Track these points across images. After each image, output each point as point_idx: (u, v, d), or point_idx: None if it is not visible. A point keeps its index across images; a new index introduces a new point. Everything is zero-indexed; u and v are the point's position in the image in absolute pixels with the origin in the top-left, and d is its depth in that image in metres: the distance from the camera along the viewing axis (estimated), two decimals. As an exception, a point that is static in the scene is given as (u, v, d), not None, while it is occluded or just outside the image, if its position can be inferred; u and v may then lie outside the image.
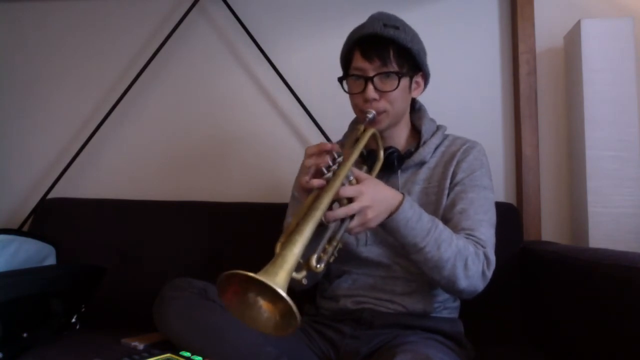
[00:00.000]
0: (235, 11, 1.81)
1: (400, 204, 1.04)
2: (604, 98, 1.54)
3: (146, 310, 1.16)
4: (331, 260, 0.97)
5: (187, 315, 1.09)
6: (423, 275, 1.11)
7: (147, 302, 1.18)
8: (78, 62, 1.95)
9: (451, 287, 1.10)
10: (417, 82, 1.24)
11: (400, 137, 1.28)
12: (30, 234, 1.51)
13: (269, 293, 0.78)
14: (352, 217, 0.99)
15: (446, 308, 1.23)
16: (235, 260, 1.33)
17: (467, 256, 1.08)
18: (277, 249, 0.90)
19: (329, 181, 0.98)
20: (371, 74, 1.16)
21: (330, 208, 0.96)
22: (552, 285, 1.32)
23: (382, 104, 1.17)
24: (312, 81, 1.81)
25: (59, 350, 1.22)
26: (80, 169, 1.89)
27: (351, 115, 1.30)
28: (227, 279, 0.78)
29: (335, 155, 1.02)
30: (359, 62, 1.17)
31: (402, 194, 1.06)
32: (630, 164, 1.52)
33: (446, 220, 1.16)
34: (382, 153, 1.21)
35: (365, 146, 1.20)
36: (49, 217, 1.70)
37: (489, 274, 1.12)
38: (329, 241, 0.96)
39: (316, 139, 1.79)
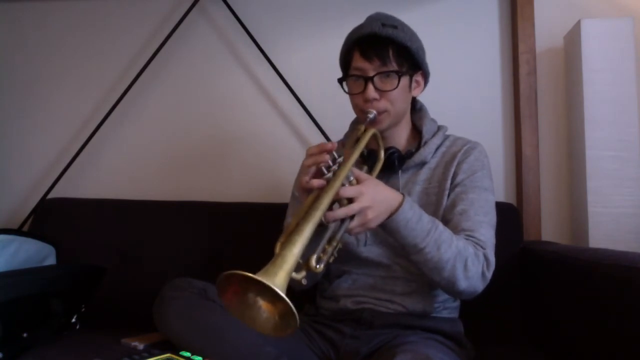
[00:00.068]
0: (235, 11, 1.81)
1: (401, 204, 1.04)
2: (604, 98, 1.54)
3: (146, 310, 1.16)
4: (331, 260, 0.97)
5: (187, 315, 1.09)
6: (423, 275, 1.11)
7: (147, 302, 1.18)
8: (78, 62, 1.95)
9: (451, 288, 1.10)
10: (417, 81, 1.25)
11: (401, 137, 1.28)
12: (30, 234, 1.51)
13: (269, 293, 0.78)
14: (352, 217, 0.99)
15: (446, 308, 1.23)
16: (235, 260, 1.33)
17: (467, 257, 1.08)
18: (277, 249, 0.90)
19: (329, 181, 0.98)
20: (371, 73, 1.16)
21: (330, 208, 0.96)
22: (552, 285, 1.32)
23: (383, 104, 1.17)
24: (312, 81, 1.81)
25: (59, 350, 1.22)
26: (80, 169, 1.89)
27: (351, 115, 1.30)
28: (227, 279, 0.78)
29: (336, 156, 1.02)
30: (358, 62, 1.17)
31: (402, 194, 1.06)
32: (630, 164, 1.52)
33: (446, 221, 1.16)
34: (382, 153, 1.21)
35: (366, 146, 1.20)
36: (49, 217, 1.70)
37: (489, 275, 1.12)
38: (329, 241, 0.96)
39: (316, 139, 1.79)
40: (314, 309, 1.30)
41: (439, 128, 1.30)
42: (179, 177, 1.89)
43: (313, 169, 1.01)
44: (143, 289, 1.47)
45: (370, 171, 1.17)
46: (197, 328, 1.07)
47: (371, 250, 1.23)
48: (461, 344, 1.19)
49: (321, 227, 0.93)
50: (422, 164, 1.25)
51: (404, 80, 1.18)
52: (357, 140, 1.13)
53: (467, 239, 1.11)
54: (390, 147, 1.24)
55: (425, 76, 1.26)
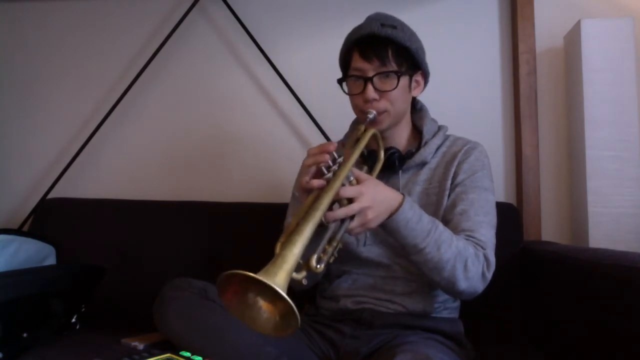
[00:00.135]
0: (235, 11, 1.81)
1: (401, 204, 1.04)
2: (604, 98, 1.54)
3: (146, 310, 1.16)
4: (331, 260, 0.97)
5: (187, 315, 1.09)
6: (423, 275, 1.11)
7: (147, 302, 1.18)
8: (78, 62, 1.95)
9: (451, 288, 1.10)
10: (416, 81, 1.24)
11: (401, 138, 1.28)
12: (30, 234, 1.51)
13: (269, 293, 0.78)
14: (352, 217, 0.99)
15: (446, 308, 1.23)
16: (235, 260, 1.33)
17: (467, 257, 1.08)
18: (277, 249, 0.90)
19: (329, 181, 0.98)
20: (370, 74, 1.16)
21: (330, 208, 0.96)
22: (552, 285, 1.32)
23: (383, 104, 1.17)
24: (312, 81, 1.81)
25: (59, 350, 1.22)
26: (80, 169, 1.89)
27: (351, 115, 1.30)
28: (227, 279, 0.78)
29: (336, 156, 1.02)
30: (357, 62, 1.17)
31: (403, 194, 1.06)
32: (630, 164, 1.52)
33: (446, 221, 1.16)
34: (382, 153, 1.21)
35: (366, 146, 1.20)
36: (49, 217, 1.70)
37: (489, 275, 1.12)
38: (329, 241, 0.96)
39: (316, 138, 1.79)
40: (314, 309, 1.30)
41: (440, 128, 1.30)
42: (179, 177, 1.89)
43: (313, 169, 1.01)
44: (143, 289, 1.47)
45: (370, 171, 1.17)
46: (197, 328, 1.07)
47: (371, 250, 1.23)
48: (461, 344, 1.19)
49: (321, 227, 0.93)
50: (423, 164, 1.25)
51: (404, 80, 1.18)
52: (357, 141, 1.13)
53: (467, 239, 1.11)
54: (391, 147, 1.23)
55: (425, 76, 1.26)
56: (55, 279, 1.35)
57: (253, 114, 1.86)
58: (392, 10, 1.23)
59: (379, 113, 1.18)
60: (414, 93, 1.25)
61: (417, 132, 1.30)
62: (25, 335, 1.23)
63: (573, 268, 1.21)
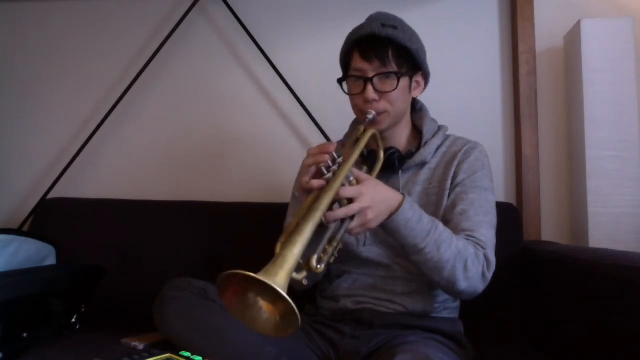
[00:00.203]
0: (235, 11, 1.81)
1: (401, 204, 1.04)
2: (604, 98, 1.54)
3: (146, 310, 1.16)
4: (331, 260, 0.97)
5: (187, 315, 1.09)
6: (423, 275, 1.11)
7: (147, 302, 1.18)
8: (78, 62, 1.95)
9: (451, 288, 1.10)
10: (417, 82, 1.24)
11: (401, 138, 1.28)
12: (30, 234, 1.51)
13: (269, 293, 0.78)
14: (352, 217, 0.99)
15: (446, 308, 1.23)
16: (235, 260, 1.33)
17: (467, 257, 1.08)
18: (277, 249, 0.90)
19: (329, 182, 0.98)
20: (370, 74, 1.16)
21: (330, 208, 0.96)
22: (552, 285, 1.32)
23: (382, 105, 1.17)
24: (312, 81, 1.81)
25: (59, 350, 1.22)
26: (80, 169, 1.89)
27: (351, 115, 1.30)
28: (227, 279, 0.78)
29: (336, 156, 1.02)
30: (358, 63, 1.17)
31: (403, 194, 1.06)
32: (630, 164, 1.52)
33: (446, 221, 1.16)
34: (382, 154, 1.21)
35: (366, 146, 1.20)
36: (49, 217, 1.70)
37: (489, 275, 1.12)
38: (329, 242, 0.96)
39: (316, 138, 1.79)
40: (314, 309, 1.30)
41: (440, 128, 1.30)
42: (179, 177, 1.89)
43: (313, 169, 1.01)
44: (143, 289, 1.47)
45: (370, 171, 1.17)
46: (197, 328, 1.07)
47: (371, 251, 1.23)
48: (461, 344, 1.19)
49: (321, 228, 0.94)
50: (423, 164, 1.25)
51: (404, 81, 1.18)
52: (357, 141, 1.13)
53: (467, 239, 1.11)
54: (391, 148, 1.23)
55: (426, 77, 1.26)
56: (55, 279, 1.35)
57: (253, 114, 1.86)
58: (392, 11, 1.23)
59: (379, 114, 1.17)
60: (414, 94, 1.25)
61: (417, 132, 1.30)
62: (25, 335, 1.23)
63: (573, 268, 1.21)
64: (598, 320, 1.08)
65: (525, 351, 1.33)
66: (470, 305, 1.23)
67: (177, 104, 1.91)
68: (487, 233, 1.15)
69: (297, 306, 0.75)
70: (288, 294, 0.75)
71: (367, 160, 1.23)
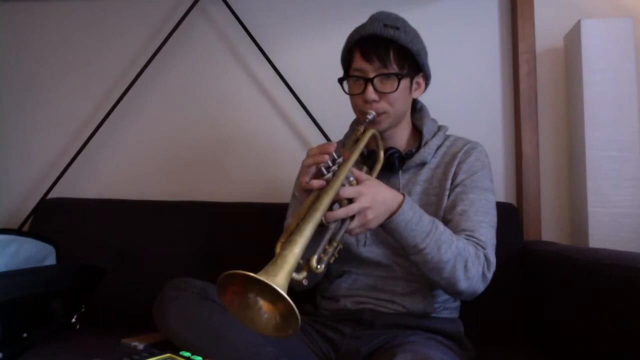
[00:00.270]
0: (235, 11, 1.81)
1: (400, 205, 1.04)
2: (604, 98, 1.54)
3: (146, 310, 1.16)
4: (331, 261, 0.97)
5: (187, 315, 1.09)
6: (423, 275, 1.11)
7: (147, 302, 1.18)
8: (78, 62, 1.95)
9: (451, 289, 1.10)
10: (417, 83, 1.24)
11: (401, 138, 1.28)
12: (30, 234, 1.51)
13: (269, 293, 0.78)
14: (352, 217, 0.99)
15: (446, 308, 1.23)
16: (235, 260, 1.32)
17: (467, 257, 1.08)
18: (277, 249, 0.90)
19: (329, 182, 0.98)
20: (371, 75, 1.16)
21: (330, 209, 0.96)
22: (552, 285, 1.32)
23: (382, 105, 1.17)
24: (312, 81, 1.81)
25: (59, 350, 1.22)
26: (80, 169, 1.89)
27: (351, 115, 1.30)
28: (227, 279, 0.78)
29: (335, 156, 1.02)
30: (358, 63, 1.17)
31: (403, 194, 1.06)
32: (630, 164, 1.52)
33: (446, 221, 1.16)
34: (382, 154, 1.21)
35: (366, 147, 1.20)
36: (49, 217, 1.70)
37: (489, 275, 1.12)
38: (329, 242, 0.96)
39: (316, 138, 1.79)
40: (314, 309, 1.30)
41: (440, 128, 1.30)
42: (179, 177, 1.89)
43: (313, 169, 1.01)
44: (143, 289, 1.47)
45: (370, 171, 1.17)
46: (197, 328, 1.07)
47: (371, 251, 1.23)
48: (461, 344, 1.19)
49: (321, 228, 0.94)
50: (423, 164, 1.25)
51: (405, 82, 1.18)
52: (357, 141, 1.13)
53: (467, 240, 1.11)
54: (391, 148, 1.23)
55: (426, 78, 1.26)
56: (55, 279, 1.35)
57: (253, 114, 1.86)
58: (392, 10, 1.23)
59: (379, 114, 1.17)
60: (415, 95, 1.25)
61: (417, 132, 1.30)
62: (25, 335, 1.23)
63: (573, 268, 1.21)
64: (598, 320, 1.08)
65: (525, 351, 1.34)
66: (470, 305, 1.23)
67: (177, 104, 1.91)
68: (487, 233, 1.15)
69: (297, 306, 0.75)
70: (288, 294, 0.75)
71: (367, 160, 1.23)
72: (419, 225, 1.05)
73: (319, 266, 0.92)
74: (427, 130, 1.27)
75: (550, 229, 1.70)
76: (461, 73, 1.77)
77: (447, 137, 1.30)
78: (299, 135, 1.84)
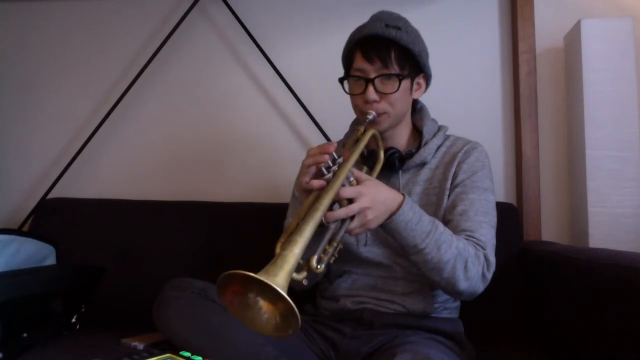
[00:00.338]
0: (235, 11, 1.81)
1: (400, 205, 1.04)
2: (604, 98, 1.54)
3: (146, 310, 1.16)
4: (331, 261, 0.97)
5: (187, 315, 1.09)
6: (423, 275, 1.11)
7: (147, 302, 1.18)
8: (78, 62, 1.95)
9: (451, 289, 1.10)
10: (418, 84, 1.24)
11: (401, 138, 1.28)
12: (30, 234, 1.50)
13: (269, 293, 0.78)
14: (352, 218, 0.99)
15: (446, 308, 1.23)
16: (235, 260, 1.32)
17: (467, 258, 1.08)
18: (278, 249, 0.90)
19: (329, 182, 0.98)
20: (372, 75, 1.16)
21: (330, 209, 0.96)
22: (552, 285, 1.32)
23: (383, 106, 1.17)
24: (312, 81, 1.81)
25: (59, 350, 1.22)
26: (80, 169, 1.89)
27: (351, 115, 1.30)
28: (227, 278, 0.78)
29: (335, 156, 1.02)
30: (359, 63, 1.17)
31: (403, 194, 1.06)
32: (630, 164, 1.52)
33: (446, 221, 1.16)
34: (382, 154, 1.21)
35: (366, 147, 1.20)
36: (49, 217, 1.69)
37: (489, 275, 1.12)
38: (329, 242, 0.96)
39: (316, 139, 1.79)
40: (314, 309, 1.30)
41: (440, 128, 1.30)
42: (179, 177, 1.89)
43: (313, 169, 1.01)
44: (143, 289, 1.48)
45: (370, 172, 1.17)
46: (197, 328, 1.07)
47: (371, 251, 1.23)
48: (461, 344, 1.19)
49: (321, 228, 0.94)
50: (423, 164, 1.25)
51: (405, 83, 1.18)
52: (357, 141, 1.13)
53: (467, 240, 1.11)
54: (391, 148, 1.23)
55: (427, 78, 1.26)
56: (55, 279, 1.34)
57: (253, 114, 1.86)
58: (392, 10, 1.23)
59: (379, 114, 1.17)
60: (415, 95, 1.25)
61: (417, 132, 1.30)
62: (25, 335, 1.23)
63: (573, 268, 1.21)
64: (598, 320, 1.08)
65: (525, 351, 1.33)
66: (470, 305, 1.23)
67: (177, 104, 1.91)
68: (487, 233, 1.15)
69: (297, 306, 0.75)
70: (288, 294, 0.74)
71: (367, 160, 1.23)
72: (419, 225, 1.05)
73: (319, 266, 0.92)
74: (427, 131, 1.27)
75: (550, 229, 1.70)
76: (461, 73, 1.77)
77: (447, 137, 1.30)
78: (299, 135, 1.84)
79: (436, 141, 1.26)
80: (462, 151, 1.24)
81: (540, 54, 1.73)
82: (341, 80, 1.23)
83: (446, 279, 1.07)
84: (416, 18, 1.28)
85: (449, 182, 1.21)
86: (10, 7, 1.98)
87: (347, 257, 1.22)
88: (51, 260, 1.52)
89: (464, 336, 1.22)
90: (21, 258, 1.40)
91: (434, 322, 1.19)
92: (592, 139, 1.54)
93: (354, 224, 0.99)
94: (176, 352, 1.03)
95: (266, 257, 0.84)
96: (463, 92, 1.77)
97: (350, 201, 0.99)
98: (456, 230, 1.13)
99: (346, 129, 1.37)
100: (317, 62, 1.83)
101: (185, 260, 1.60)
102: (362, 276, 1.24)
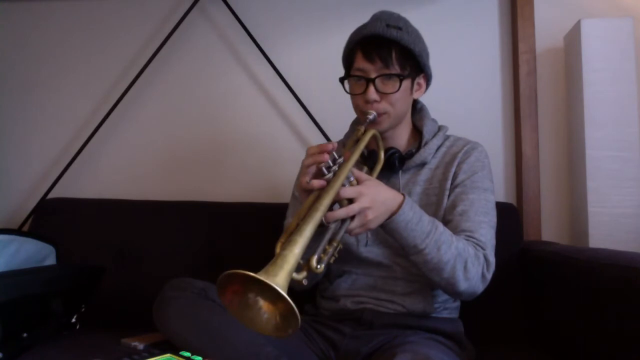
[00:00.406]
0: (235, 11, 1.81)
1: (401, 205, 1.04)
2: (604, 98, 1.54)
3: (146, 310, 1.16)
4: (331, 261, 0.97)
5: (187, 315, 1.09)
6: (423, 276, 1.11)
7: (147, 302, 1.18)
8: (78, 62, 1.95)
9: (451, 289, 1.10)
10: (418, 84, 1.24)
11: (401, 138, 1.28)
12: (30, 234, 1.50)
13: (269, 293, 0.78)
14: (352, 218, 0.99)
15: (446, 308, 1.23)
16: (235, 260, 1.32)
17: (467, 258, 1.08)
18: (278, 249, 0.90)
19: (329, 182, 0.98)
20: (373, 75, 1.16)
21: (330, 209, 0.96)
22: (552, 285, 1.32)
23: (383, 106, 1.17)
24: (312, 81, 1.81)
25: (59, 350, 1.22)
26: (80, 169, 1.89)
27: (351, 115, 1.30)
28: (227, 278, 0.78)
29: (336, 156, 1.02)
30: (360, 63, 1.17)
31: (403, 195, 1.06)
32: (630, 164, 1.52)
33: (446, 222, 1.16)
34: (382, 154, 1.21)
35: (367, 147, 1.20)
36: (49, 217, 1.69)
37: (489, 276, 1.12)
38: (329, 242, 0.96)
39: (316, 139, 1.79)
40: (314, 309, 1.30)
41: (440, 128, 1.30)
42: (179, 177, 1.89)
43: (313, 169, 1.01)
44: (143, 289, 1.48)
45: (370, 172, 1.17)
46: (197, 328, 1.07)
47: (371, 251, 1.23)
48: (461, 344, 1.19)
49: (322, 228, 0.94)
50: (423, 164, 1.25)
51: (406, 83, 1.18)
52: (357, 141, 1.13)
53: (467, 240, 1.11)
54: (391, 148, 1.23)
55: (428, 79, 1.26)
56: (55, 279, 1.34)
57: (253, 114, 1.86)
58: (392, 10, 1.23)
59: (379, 114, 1.17)
60: (416, 95, 1.25)
61: (417, 132, 1.30)
62: (25, 335, 1.23)
63: (573, 268, 1.21)
64: (598, 320, 1.08)
65: (525, 351, 1.33)
66: (470, 305, 1.23)
67: (177, 104, 1.91)
68: (487, 233, 1.15)
69: (297, 306, 0.75)
70: (288, 294, 0.74)
71: (367, 160, 1.23)
72: (419, 225, 1.05)
73: (318, 266, 0.92)
74: (427, 131, 1.27)
75: (550, 229, 1.70)
76: (461, 73, 1.77)
77: (447, 138, 1.30)
78: (299, 135, 1.84)
79: (436, 141, 1.26)
80: (462, 151, 1.24)
81: (540, 54, 1.73)
82: (342, 80, 1.23)
83: (446, 279, 1.07)
84: (416, 18, 1.28)
85: (449, 182, 1.21)
86: (10, 7, 1.98)
87: (347, 257, 1.22)
88: (51, 260, 1.52)
89: (464, 336, 1.22)
90: (21, 258, 1.40)
91: (434, 322, 1.19)
92: (592, 139, 1.54)
93: (354, 224, 0.99)
94: (176, 352, 1.03)
95: (266, 257, 0.84)
96: (463, 92, 1.77)
97: (351, 201, 0.99)
98: (456, 231, 1.13)
99: (346, 129, 1.37)
100: (317, 62, 1.83)
101: (185, 260, 1.60)
102: (362, 276, 1.24)
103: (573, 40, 1.62)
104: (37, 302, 1.27)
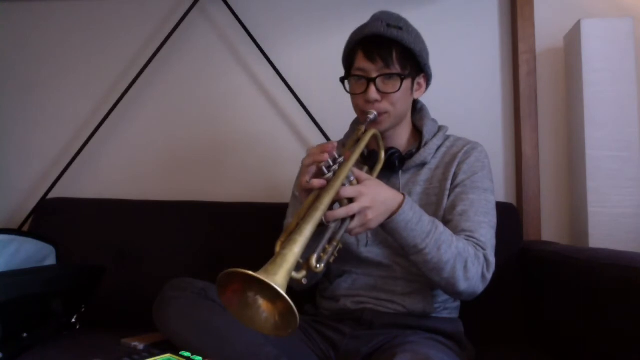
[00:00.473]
0: (235, 11, 1.81)
1: (401, 205, 1.04)
2: (604, 98, 1.54)
3: (146, 310, 1.16)
4: (331, 260, 0.96)
5: (187, 315, 1.09)
6: (423, 276, 1.11)
7: (147, 302, 1.17)
8: (78, 62, 1.95)
9: (451, 289, 1.10)
10: (419, 84, 1.24)
11: (401, 138, 1.28)
12: (30, 234, 1.50)
13: (269, 292, 0.78)
14: (352, 217, 0.99)
15: (446, 308, 1.23)
16: (235, 260, 1.31)
17: (467, 258, 1.08)
18: (277, 248, 0.90)
19: (329, 181, 0.98)
20: (373, 75, 1.16)
21: (330, 208, 0.96)
22: (552, 285, 1.32)
23: (384, 105, 1.17)
24: (312, 81, 1.81)
25: (59, 350, 1.22)
26: (80, 169, 1.89)
27: (351, 115, 1.30)
28: (227, 277, 0.78)
29: (336, 155, 1.02)
30: (361, 62, 1.17)
31: (403, 194, 1.06)
32: (630, 164, 1.52)
33: (446, 222, 1.16)
34: (382, 154, 1.21)
35: (367, 147, 1.20)
36: (49, 217, 1.69)
37: (489, 276, 1.12)
38: (329, 241, 0.96)
39: (316, 138, 1.79)
40: (314, 308, 1.30)
41: (440, 128, 1.30)
42: (179, 177, 1.89)
43: (313, 168, 1.01)
44: (143, 289, 1.47)
45: (370, 171, 1.17)
46: (197, 328, 1.07)
47: (372, 251, 1.23)
48: (461, 344, 1.19)
49: (321, 227, 0.94)
50: (423, 164, 1.25)
51: (407, 82, 1.18)
52: (358, 141, 1.13)
53: (467, 240, 1.11)
54: (391, 148, 1.24)
55: (428, 79, 1.26)
56: (55, 279, 1.34)
57: (253, 114, 1.86)
58: (392, 10, 1.23)
59: (380, 114, 1.17)
60: (416, 95, 1.25)
61: (417, 132, 1.30)
62: (25, 335, 1.23)
63: (573, 268, 1.21)
64: (598, 320, 1.08)
65: (525, 351, 1.33)
66: (470, 305, 1.23)
67: (177, 104, 1.91)
68: (487, 234, 1.15)
69: (296, 306, 0.75)
70: (287, 293, 0.75)
71: (367, 160, 1.23)
72: (419, 225, 1.05)
73: (318, 265, 0.92)
74: (427, 131, 1.27)
75: (550, 229, 1.70)
76: (461, 73, 1.77)
77: (447, 138, 1.30)
78: (299, 135, 1.84)
79: (436, 141, 1.26)
80: (462, 151, 1.24)
81: (540, 54, 1.73)
82: (342, 80, 1.23)
83: (446, 279, 1.07)
84: (416, 18, 1.28)
85: (449, 182, 1.21)
86: (10, 7, 1.98)
87: (347, 257, 1.22)
88: (51, 260, 1.52)
89: (464, 336, 1.22)
90: (21, 258, 1.40)
91: (434, 322, 1.19)
92: (592, 139, 1.54)
93: (354, 223, 0.99)
94: (176, 352, 1.03)
95: (266, 257, 0.84)
96: (463, 92, 1.77)
97: (351, 201, 0.99)
98: (456, 231, 1.13)
99: (346, 129, 1.37)
100: (317, 62, 1.83)
101: (185, 260, 1.60)
102: (362, 276, 1.24)
103: (573, 40, 1.62)
104: (37, 302, 1.27)
